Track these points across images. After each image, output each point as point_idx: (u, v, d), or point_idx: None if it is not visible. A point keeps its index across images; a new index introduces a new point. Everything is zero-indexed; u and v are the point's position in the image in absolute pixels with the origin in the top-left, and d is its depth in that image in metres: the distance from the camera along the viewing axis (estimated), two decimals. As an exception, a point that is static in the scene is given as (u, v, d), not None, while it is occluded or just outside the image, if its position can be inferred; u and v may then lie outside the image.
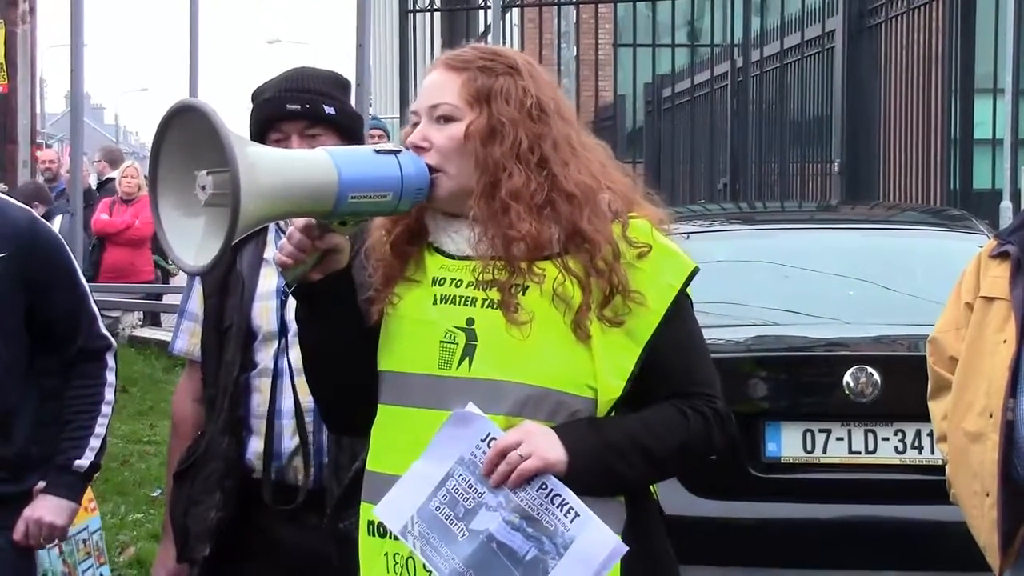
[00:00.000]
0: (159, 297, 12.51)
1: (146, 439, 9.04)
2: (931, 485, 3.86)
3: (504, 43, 12.38)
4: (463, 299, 2.47)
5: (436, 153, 2.47)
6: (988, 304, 3.31)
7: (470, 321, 2.45)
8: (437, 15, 14.07)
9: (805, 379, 4.96)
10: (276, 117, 3.32)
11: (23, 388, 3.44)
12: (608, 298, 2.43)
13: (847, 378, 4.68)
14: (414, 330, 2.49)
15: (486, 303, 2.45)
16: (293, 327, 3.29)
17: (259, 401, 3.29)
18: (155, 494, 7.46)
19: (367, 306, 2.53)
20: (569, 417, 2.42)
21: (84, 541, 4.00)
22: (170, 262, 13.10)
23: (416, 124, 2.52)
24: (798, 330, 5.15)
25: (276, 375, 3.28)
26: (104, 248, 12.56)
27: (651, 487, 2.57)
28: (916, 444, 4.73)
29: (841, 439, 4.77)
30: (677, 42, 12.94)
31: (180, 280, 13.92)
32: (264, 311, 3.32)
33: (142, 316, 13.58)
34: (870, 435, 4.76)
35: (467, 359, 2.43)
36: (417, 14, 13.70)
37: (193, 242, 2.29)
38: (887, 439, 4.75)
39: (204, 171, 2.25)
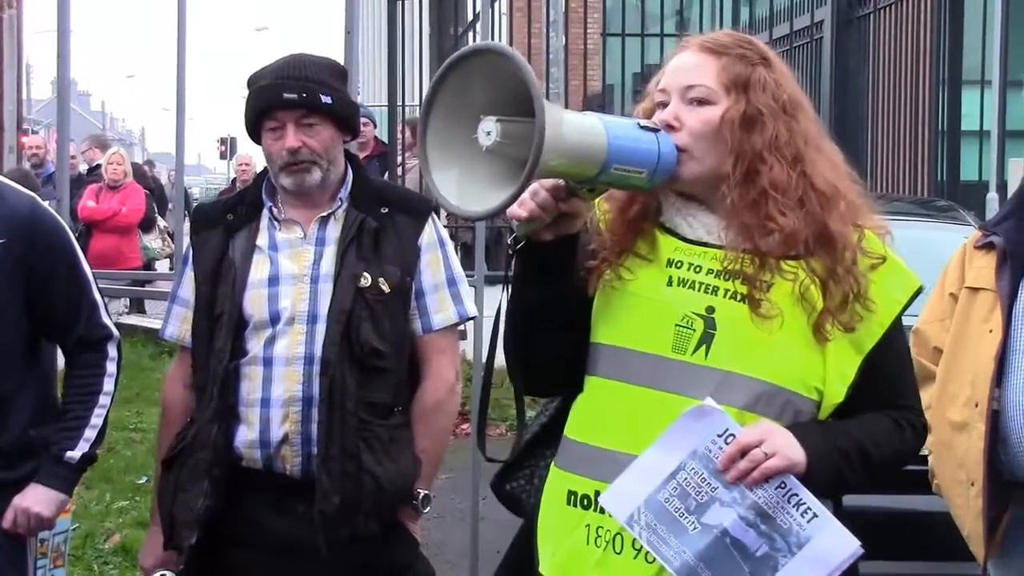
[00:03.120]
0: (144, 284, 12.45)
1: (132, 426, 9.02)
2: (916, 475, 3.87)
3: (492, 32, 12.34)
4: (703, 286, 2.42)
5: (687, 134, 2.42)
6: (973, 295, 3.32)
7: (710, 309, 2.41)
8: (425, 3, 14.03)
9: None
10: (273, 105, 3.30)
11: (22, 375, 3.36)
12: (844, 303, 2.41)
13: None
14: (645, 308, 2.44)
15: (729, 294, 2.41)
16: (284, 316, 3.30)
17: (249, 389, 3.28)
18: (141, 481, 7.45)
19: (586, 276, 2.47)
20: (794, 417, 2.40)
21: (43, 541, 3.85)
22: (156, 246, 13.06)
23: (662, 103, 2.47)
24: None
25: (266, 363, 3.28)
26: (91, 235, 12.46)
27: None
28: (902, 434, 4.73)
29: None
30: (666, 32, 12.93)
31: (162, 267, 13.89)
32: (256, 299, 3.31)
33: (128, 303, 13.51)
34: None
35: (704, 346, 2.39)
36: (405, 2, 13.68)
37: (452, 185, 2.26)
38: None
39: (492, 117, 2.22)
